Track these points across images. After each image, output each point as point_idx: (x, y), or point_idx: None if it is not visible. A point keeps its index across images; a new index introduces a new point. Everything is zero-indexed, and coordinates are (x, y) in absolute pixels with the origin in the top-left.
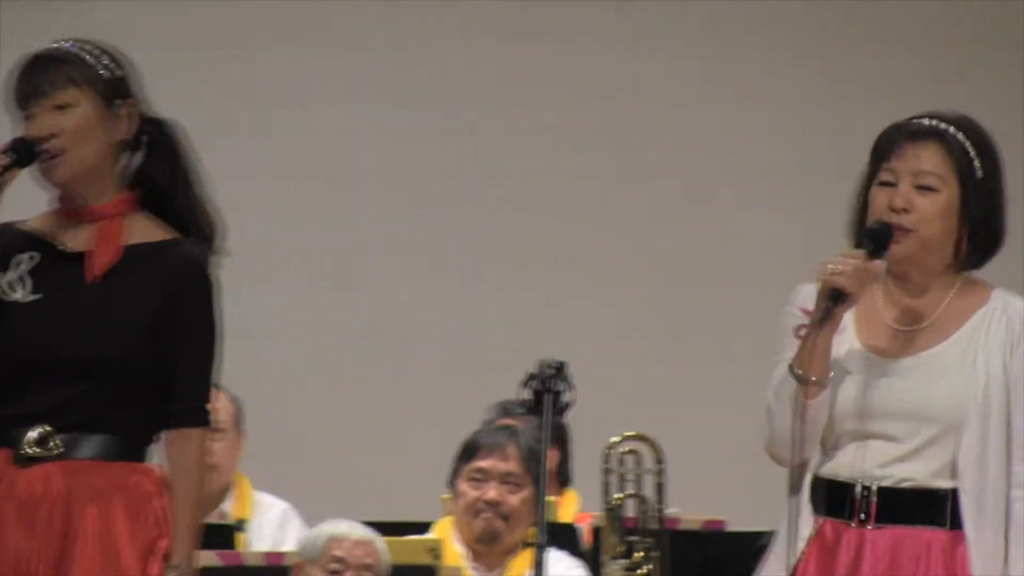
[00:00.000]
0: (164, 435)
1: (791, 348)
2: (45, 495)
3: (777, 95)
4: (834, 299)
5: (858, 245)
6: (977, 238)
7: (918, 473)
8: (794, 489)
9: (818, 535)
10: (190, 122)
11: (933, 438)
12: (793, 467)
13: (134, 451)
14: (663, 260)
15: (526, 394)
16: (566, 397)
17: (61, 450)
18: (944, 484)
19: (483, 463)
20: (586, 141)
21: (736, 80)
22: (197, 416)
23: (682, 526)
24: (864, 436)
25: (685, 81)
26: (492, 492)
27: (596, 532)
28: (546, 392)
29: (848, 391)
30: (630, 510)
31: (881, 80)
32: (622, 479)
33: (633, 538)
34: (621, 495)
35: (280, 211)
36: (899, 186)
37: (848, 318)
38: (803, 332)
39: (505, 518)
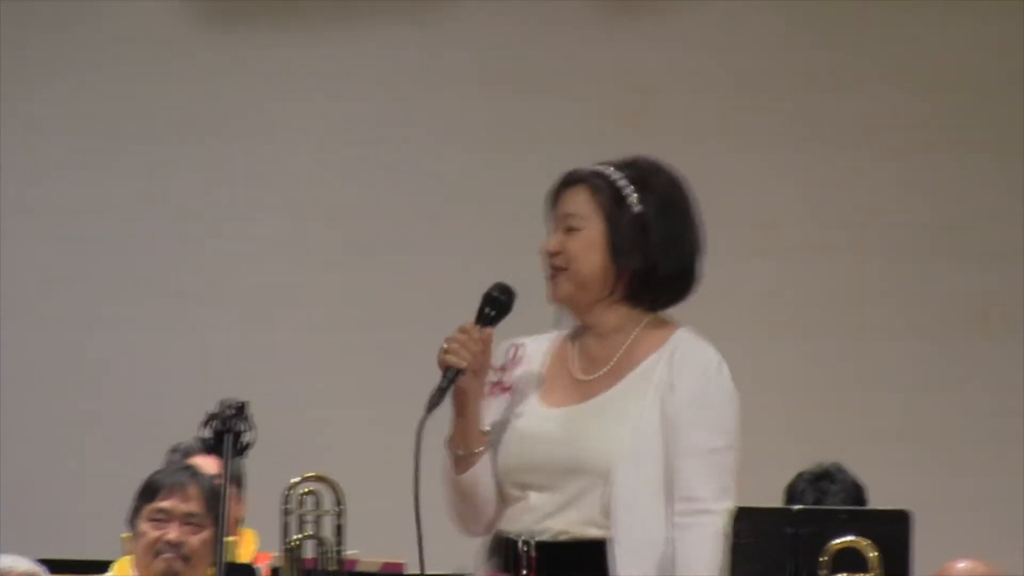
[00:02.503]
0: None
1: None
2: None
3: (468, 138)
4: (450, 377)
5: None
6: (651, 272)
7: (573, 525)
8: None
9: None
10: None
11: (584, 488)
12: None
13: None
14: (352, 297)
15: (207, 434)
16: (247, 437)
17: None
18: (600, 534)
19: (164, 503)
20: (271, 178)
21: (422, 120)
22: None
23: (360, 568)
24: (524, 489)
25: (385, 121)
26: (173, 533)
27: (275, 572)
28: (226, 432)
29: (510, 447)
30: (309, 551)
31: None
32: (301, 520)
33: None
34: (300, 536)
35: None
36: (555, 232)
37: (534, 378)
38: (490, 391)
39: (186, 559)
